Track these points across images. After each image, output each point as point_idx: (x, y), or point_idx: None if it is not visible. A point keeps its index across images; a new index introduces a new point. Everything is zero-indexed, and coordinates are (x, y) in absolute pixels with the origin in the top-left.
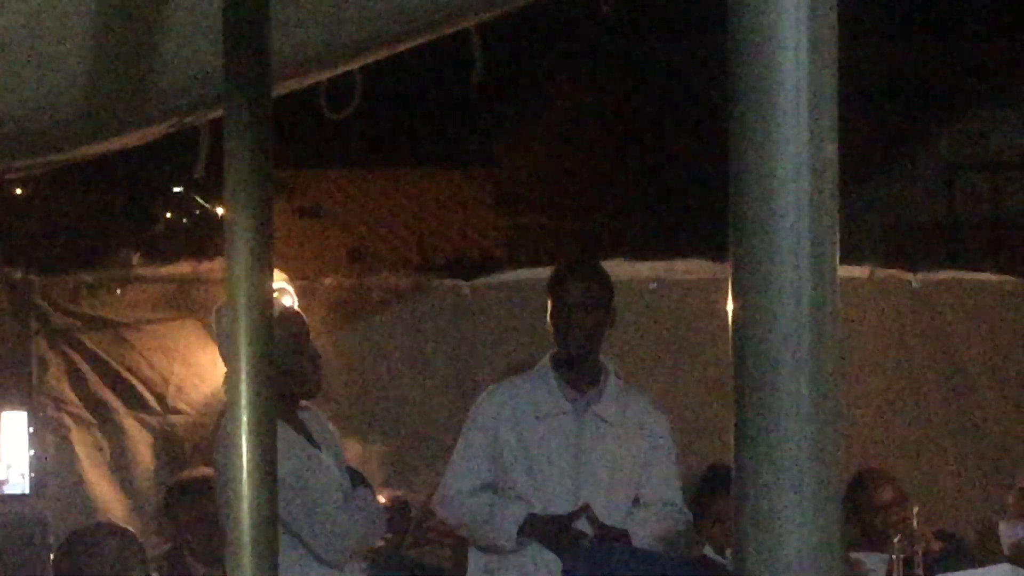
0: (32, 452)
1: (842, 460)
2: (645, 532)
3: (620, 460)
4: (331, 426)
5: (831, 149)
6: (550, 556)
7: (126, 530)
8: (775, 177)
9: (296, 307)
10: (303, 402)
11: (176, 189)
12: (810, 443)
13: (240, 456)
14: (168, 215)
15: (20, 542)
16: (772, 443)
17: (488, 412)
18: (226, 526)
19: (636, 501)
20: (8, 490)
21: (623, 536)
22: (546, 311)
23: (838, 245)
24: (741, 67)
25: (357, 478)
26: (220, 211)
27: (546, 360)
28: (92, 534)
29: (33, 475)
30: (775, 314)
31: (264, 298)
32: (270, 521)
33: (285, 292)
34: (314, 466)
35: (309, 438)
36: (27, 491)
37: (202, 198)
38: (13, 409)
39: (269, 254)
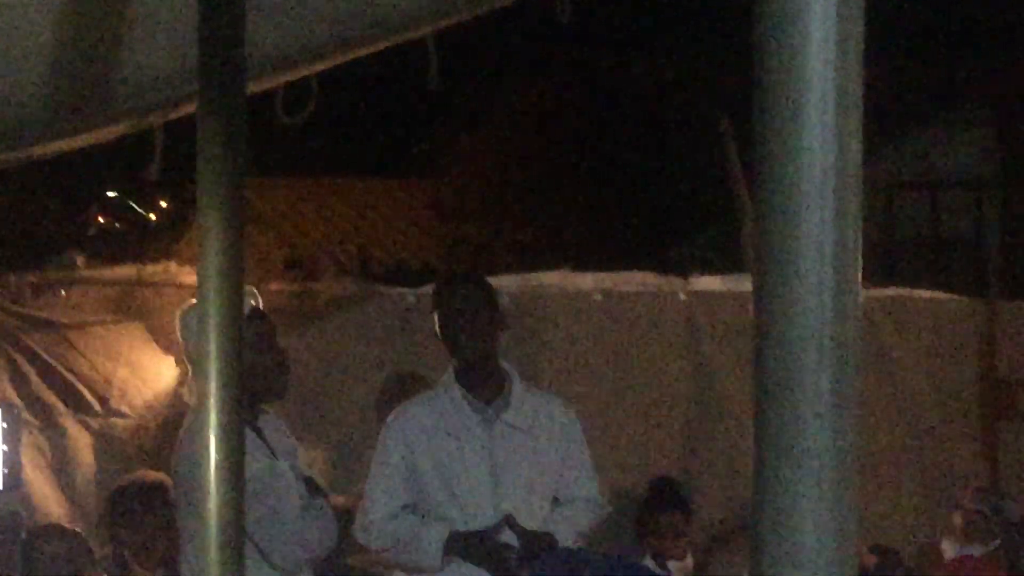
0: (5, 448)
1: (859, 458)
2: (567, 531)
3: (536, 465)
4: (289, 433)
5: (856, 150)
6: (476, 572)
7: (76, 532)
8: (799, 179)
9: (261, 308)
10: (264, 407)
11: (110, 194)
12: (830, 441)
13: (209, 457)
14: (101, 219)
15: None
16: (792, 440)
17: (399, 434)
18: (183, 527)
19: (555, 499)
20: None
21: (548, 539)
22: (439, 332)
23: (860, 246)
24: (767, 71)
25: (313, 486)
26: (153, 216)
27: (448, 375)
28: (40, 535)
29: (6, 470)
30: (797, 313)
31: (235, 299)
32: (238, 522)
33: (251, 293)
34: (272, 474)
35: (268, 445)
36: (0, 486)
37: (136, 202)
38: None
39: (241, 255)
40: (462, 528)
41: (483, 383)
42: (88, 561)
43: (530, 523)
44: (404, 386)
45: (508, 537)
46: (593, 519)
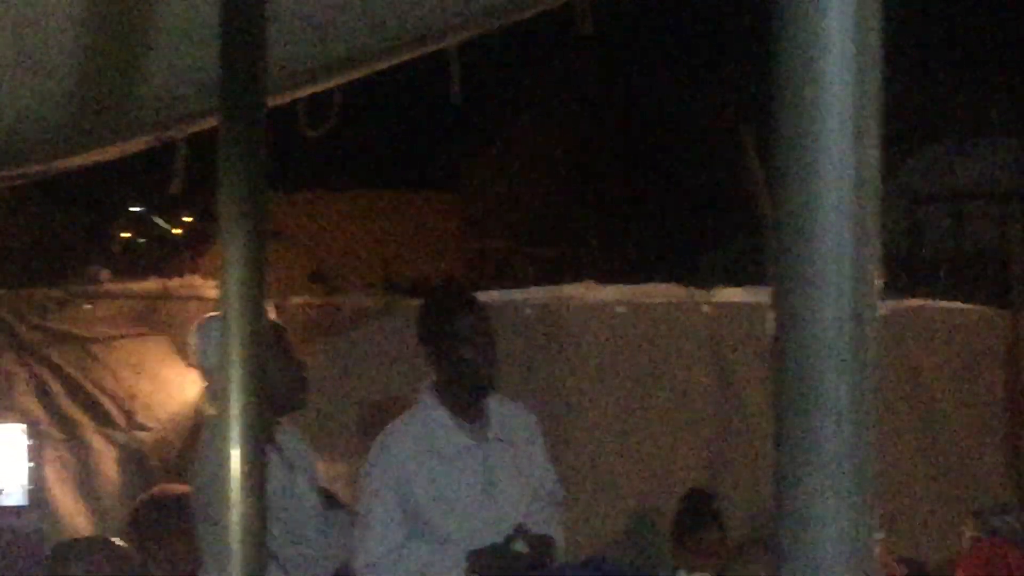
0: (31, 464)
1: (878, 464)
2: (555, 528)
3: (521, 471)
4: (307, 446)
5: (874, 156)
6: None
7: (119, 545)
8: (818, 182)
9: (277, 321)
10: (282, 421)
11: (134, 208)
12: (849, 449)
13: (230, 470)
14: (126, 234)
15: (17, 553)
16: (812, 447)
17: (389, 462)
18: (201, 539)
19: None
20: (5, 502)
21: (549, 541)
22: (429, 347)
23: (879, 250)
24: (784, 79)
25: (330, 500)
26: (177, 230)
27: (428, 394)
28: (85, 547)
29: (31, 487)
30: (815, 321)
31: (257, 313)
32: (260, 533)
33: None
34: (292, 490)
35: (286, 460)
36: (24, 503)
37: (160, 217)
38: (10, 422)
39: (263, 268)
40: (466, 545)
41: (465, 400)
42: (128, 573)
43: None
44: (385, 411)
45: (519, 545)
46: (562, 510)
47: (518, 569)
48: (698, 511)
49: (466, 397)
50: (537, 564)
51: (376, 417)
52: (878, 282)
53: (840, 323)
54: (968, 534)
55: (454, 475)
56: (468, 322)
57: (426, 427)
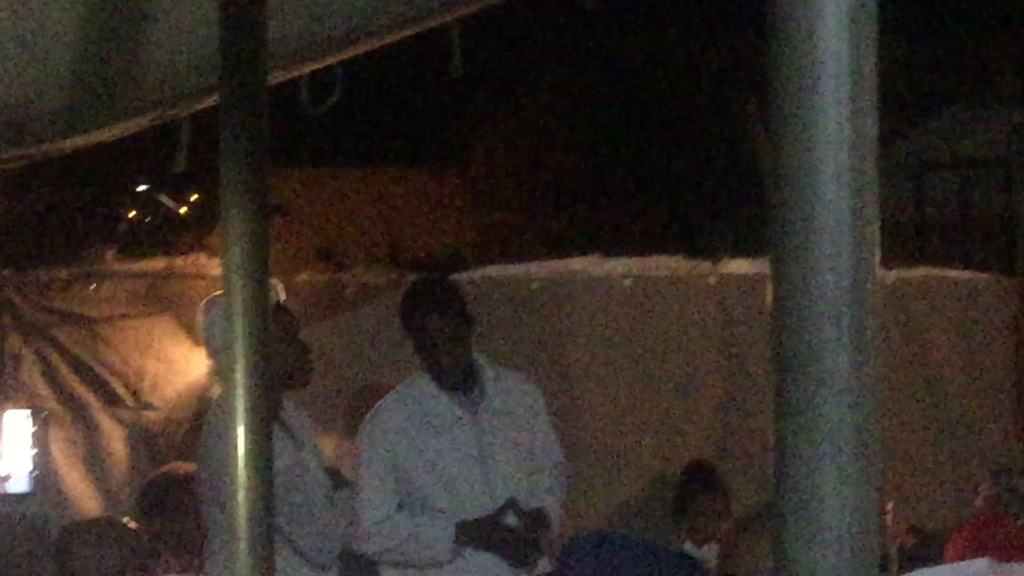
0: (35, 450)
1: (880, 436)
2: (552, 500)
3: (517, 443)
4: (311, 424)
5: (871, 126)
6: (487, 560)
7: (128, 526)
8: (815, 155)
9: (283, 300)
10: (285, 399)
11: (140, 188)
12: (850, 419)
13: (237, 448)
14: (132, 213)
15: (22, 539)
16: (812, 419)
17: (382, 435)
18: (208, 518)
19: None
20: (11, 488)
21: (542, 515)
22: (407, 334)
23: (879, 220)
24: (781, 46)
25: (336, 477)
26: (183, 210)
27: (419, 368)
28: (93, 529)
29: (36, 473)
30: (815, 289)
31: (261, 289)
32: (267, 512)
33: (273, 286)
34: (301, 467)
35: (293, 437)
36: (30, 489)
37: (165, 196)
38: (16, 408)
39: (266, 245)
40: (458, 517)
41: (455, 375)
42: (143, 555)
43: (520, 499)
44: (374, 395)
45: (510, 519)
46: (565, 482)
47: (508, 542)
48: (699, 481)
49: (449, 370)
50: (528, 538)
51: (365, 401)
52: (877, 252)
53: (839, 294)
54: (984, 493)
55: (445, 446)
56: (433, 323)
57: (417, 399)
